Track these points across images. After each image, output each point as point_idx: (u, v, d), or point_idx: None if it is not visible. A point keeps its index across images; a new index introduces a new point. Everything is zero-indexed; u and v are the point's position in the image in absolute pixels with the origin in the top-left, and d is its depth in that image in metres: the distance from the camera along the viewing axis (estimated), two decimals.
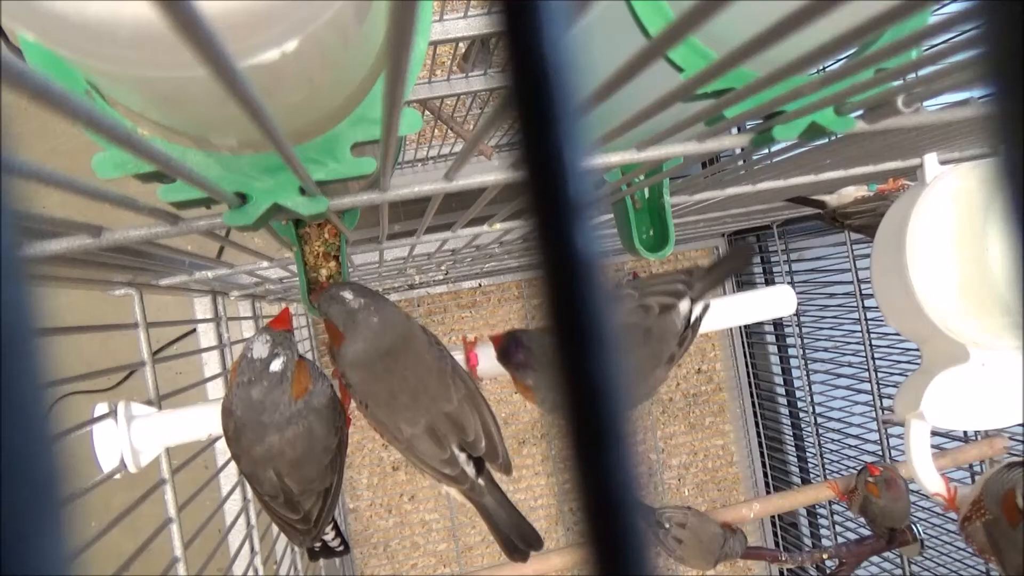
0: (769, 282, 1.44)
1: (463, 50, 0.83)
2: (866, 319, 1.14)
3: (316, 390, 0.52)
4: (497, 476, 0.54)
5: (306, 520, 0.54)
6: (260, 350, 0.49)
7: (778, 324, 1.47)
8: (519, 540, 0.54)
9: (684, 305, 0.56)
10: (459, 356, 0.61)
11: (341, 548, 0.63)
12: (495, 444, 0.53)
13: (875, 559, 1.13)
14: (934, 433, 0.65)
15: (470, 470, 0.52)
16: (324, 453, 0.53)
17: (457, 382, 0.52)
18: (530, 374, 0.51)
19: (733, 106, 0.32)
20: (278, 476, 0.52)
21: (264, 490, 0.53)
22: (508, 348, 0.53)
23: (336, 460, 0.54)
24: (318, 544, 0.60)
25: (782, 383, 1.49)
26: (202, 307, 0.85)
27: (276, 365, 0.49)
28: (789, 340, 1.43)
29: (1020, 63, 0.08)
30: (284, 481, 0.52)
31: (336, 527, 0.61)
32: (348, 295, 0.51)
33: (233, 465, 0.80)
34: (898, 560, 1.17)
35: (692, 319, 0.57)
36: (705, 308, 0.58)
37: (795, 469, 1.48)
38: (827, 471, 1.35)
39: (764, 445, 1.54)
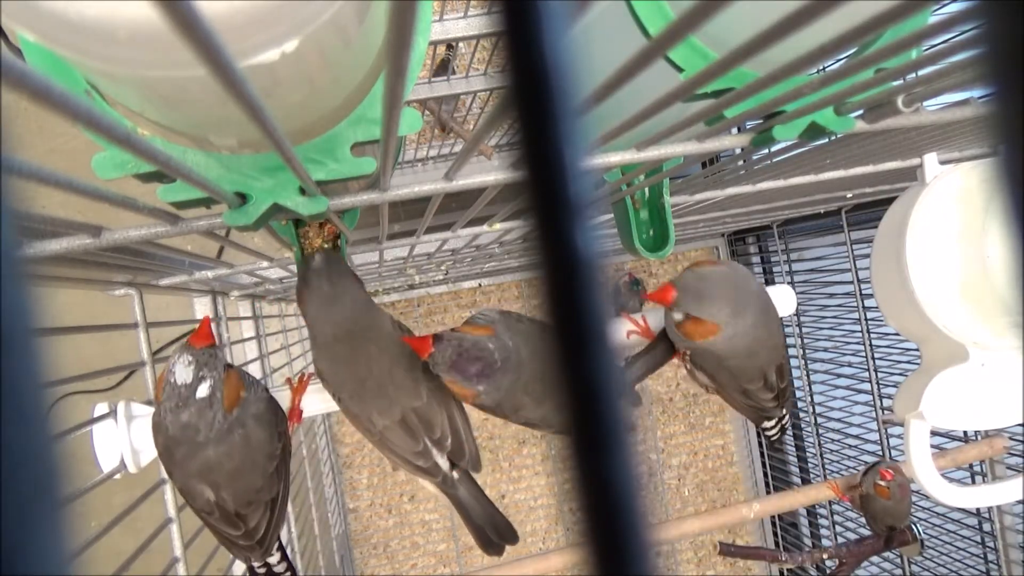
0: (769, 282, 1.44)
1: (463, 50, 0.83)
2: (866, 319, 1.14)
3: (250, 397, 0.50)
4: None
5: (248, 536, 0.51)
6: (183, 374, 0.46)
7: None
8: (493, 533, 0.53)
9: None
10: None
11: (287, 575, 0.58)
12: (462, 442, 0.52)
13: (875, 559, 1.13)
14: (934, 433, 0.65)
15: (443, 463, 0.52)
16: (268, 460, 0.50)
17: (426, 377, 0.51)
18: (484, 382, 0.49)
19: (733, 106, 0.32)
20: (214, 490, 0.49)
21: (197, 505, 0.50)
22: (457, 363, 0.48)
23: (281, 467, 0.52)
24: (263, 570, 0.56)
25: None
26: (202, 307, 0.85)
27: (203, 390, 0.46)
28: (789, 340, 1.43)
29: (1020, 63, 0.08)
30: (220, 495, 0.49)
31: (282, 549, 0.57)
32: (316, 258, 0.49)
33: None
34: (898, 560, 1.18)
35: None
36: None
37: (795, 469, 1.48)
38: (827, 471, 1.35)
39: (764, 445, 1.54)
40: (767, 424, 0.66)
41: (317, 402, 0.57)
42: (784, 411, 0.64)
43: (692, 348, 0.58)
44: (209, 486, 0.49)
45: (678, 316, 0.55)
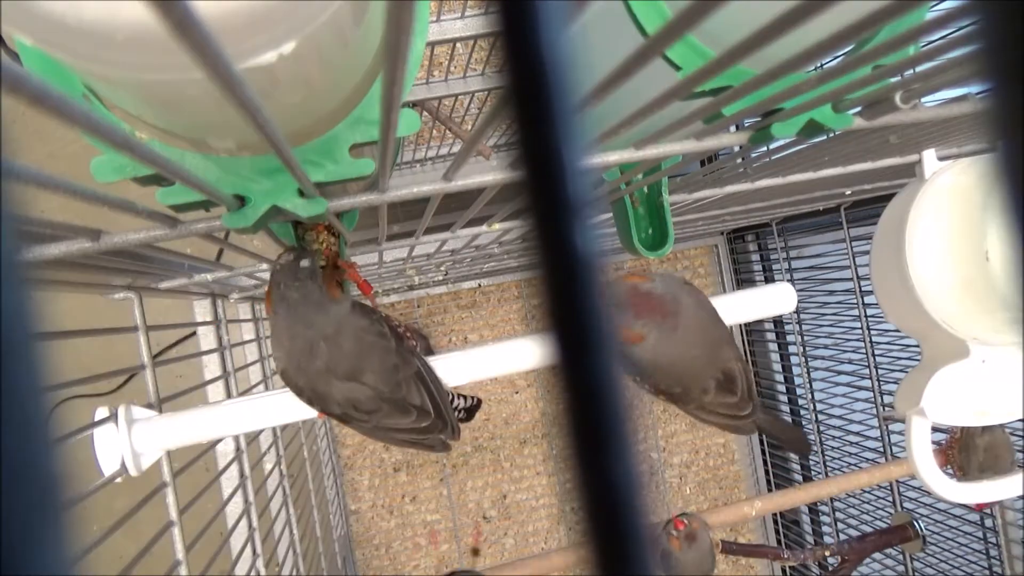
0: (769, 280, 1.45)
1: (461, 51, 0.83)
2: (866, 316, 1.14)
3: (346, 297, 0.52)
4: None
5: (424, 414, 0.52)
6: (285, 257, 0.49)
7: (778, 322, 1.47)
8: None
9: None
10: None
11: (477, 401, 0.62)
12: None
13: (877, 556, 1.13)
14: (935, 429, 0.65)
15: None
16: (381, 338, 0.51)
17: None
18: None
19: (731, 104, 0.32)
20: (362, 381, 0.50)
21: (365, 407, 0.51)
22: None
23: (401, 350, 0.52)
24: (462, 414, 0.59)
25: (783, 380, 1.50)
26: (202, 310, 0.85)
27: (304, 262, 0.49)
28: (789, 338, 1.43)
29: (1018, 58, 0.08)
30: (371, 383, 0.50)
31: (458, 396, 0.60)
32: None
33: (234, 468, 0.80)
34: (900, 557, 1.18)
35: None
36: None
37: (796, 467, 1.48)
38: (828, 468, 1.35)
39: (765, 443, 1.54)
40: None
41: None
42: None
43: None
44: (357, 382, 0.50)
45: None
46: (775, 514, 1.50)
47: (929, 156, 0.57)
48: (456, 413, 0.58)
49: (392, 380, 0.51)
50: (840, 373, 1.29)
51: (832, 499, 1.34)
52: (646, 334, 0.55)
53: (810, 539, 1.46)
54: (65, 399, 0.86)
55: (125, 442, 0.54)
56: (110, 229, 0.34)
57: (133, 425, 0.55)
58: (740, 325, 1.52)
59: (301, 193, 0.30)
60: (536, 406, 1.49)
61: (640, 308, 0.54)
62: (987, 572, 1.08)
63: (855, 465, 1.26)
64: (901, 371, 1.12)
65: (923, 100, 0.37)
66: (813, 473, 1.42)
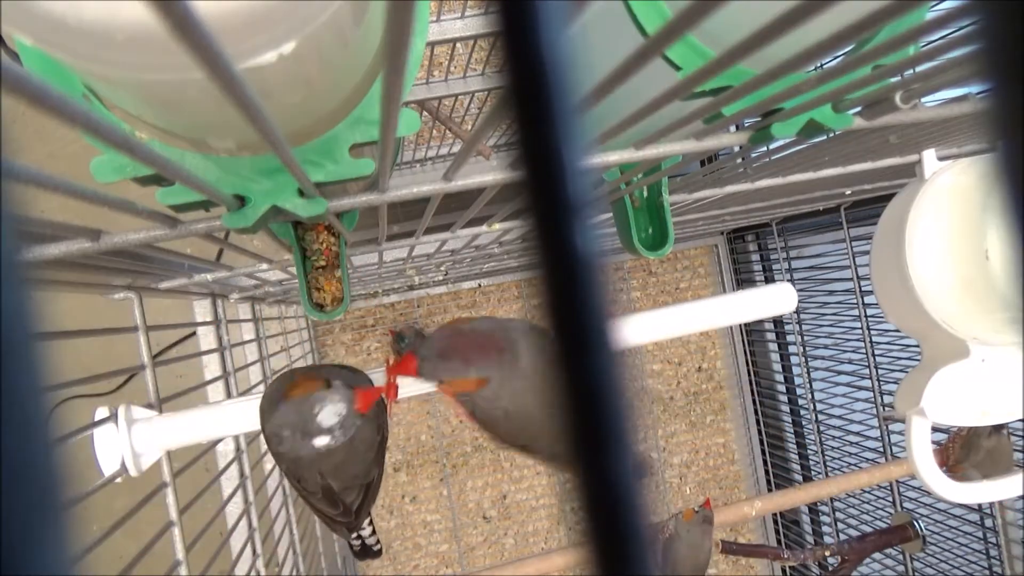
0: (769, 280, 1.44)
1: (460, 51, 0.83)
2: (866, 316, 1.14)
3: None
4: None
5: (346, 513, 0.57)
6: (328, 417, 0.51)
7: (778, 322, 1.47)
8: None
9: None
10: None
11: (378, 548, 0.68)
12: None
13: (877, 556, 1.13)
14: (935, 429, 0.65)
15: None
16: (368, 451, 0.55)
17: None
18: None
19: (731, 104, 0.32)
20: (321, 476, 0.55)
21: (307, 487, 0.55)
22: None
23: (379, 454, 0.57)
24: (357, 542, 0.65)
25: (783, 381, 1.50)
26: (202, 310, 0.85)
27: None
28: (789, 338, 1.43)
29: (1018, 58, 0.08)
30: (327, 482, 0.55)
31: (372, 525, 0.65)
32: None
33: (235, 468, 0.80)
34: (900, 557, 1.18)
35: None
36: None
37: (796, 467, 1.48)
38: (828, 468, 1.35)
39: (765, 443, 1.54)
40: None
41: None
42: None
43: (467, 401, 0.52)
44: (319, 473, 0.55)
45: (433, 383, 0.52)
46: (775, 514, 1.50)
47: (929, 156, 0.57)
48: (364, 528, 0.64)
49: (347, 484, 0.56)
50: (840, 373, 1.29)
51: (832, 499, 1.34)
52: (488, 377, 0.48)
53: (810, 539, 1.46)
54: (65, 399, 0.86)
55: (125, 442, 0.54)
56: (110, 229, 0.34)
57: (133, 425, 0.55)
58: (740, 325, 1.52)
59: (301, 193, 0.30)
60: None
61: (468, 352, 0.48)
62: (987, 572, 1.08)
63: (855, 465, 1.26)
64: (901, 371, 1.12)
65: (923, 100, 0.37)
66: (813, 473, 1.42)
